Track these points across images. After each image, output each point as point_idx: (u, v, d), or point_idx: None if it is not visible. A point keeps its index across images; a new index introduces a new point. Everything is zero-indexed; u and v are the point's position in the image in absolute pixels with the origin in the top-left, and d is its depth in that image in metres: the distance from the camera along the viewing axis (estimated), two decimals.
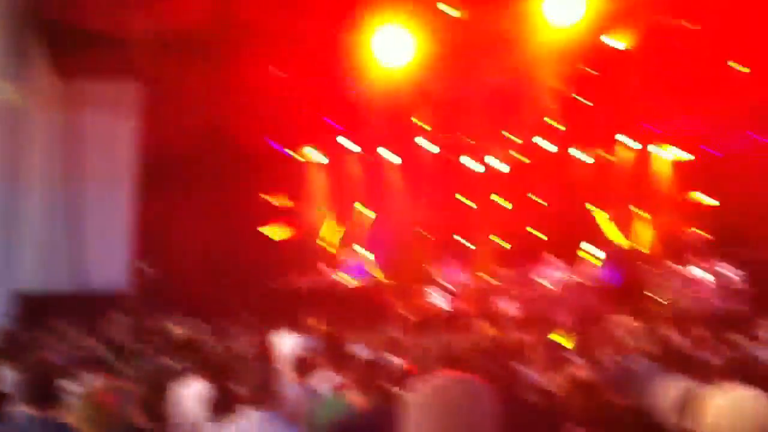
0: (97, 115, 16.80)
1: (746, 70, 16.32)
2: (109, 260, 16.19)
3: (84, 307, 13.41)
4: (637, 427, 4.49)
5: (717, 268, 15.88)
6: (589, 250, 19.19)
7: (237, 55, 16.43)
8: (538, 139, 19.68)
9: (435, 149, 20.17)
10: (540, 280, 17.03)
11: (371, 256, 20.32)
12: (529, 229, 20.16)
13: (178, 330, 10.52)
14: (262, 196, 19.91)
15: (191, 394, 6.05)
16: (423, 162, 20.41)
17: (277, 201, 20.20)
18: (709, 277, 15.92)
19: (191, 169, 17.12)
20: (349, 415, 5.00)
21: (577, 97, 18.25)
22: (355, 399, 5.09)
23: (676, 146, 19.27)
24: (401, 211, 20.53)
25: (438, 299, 17.49)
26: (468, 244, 20.59)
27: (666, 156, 19.50)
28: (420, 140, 20.15)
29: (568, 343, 9.91)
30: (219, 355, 6.59)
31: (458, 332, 12.03)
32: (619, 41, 16.89)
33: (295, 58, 17.35)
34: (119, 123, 16.67)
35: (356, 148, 20.48)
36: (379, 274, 20.07)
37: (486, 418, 1.58)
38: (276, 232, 20.10)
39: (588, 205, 19.93)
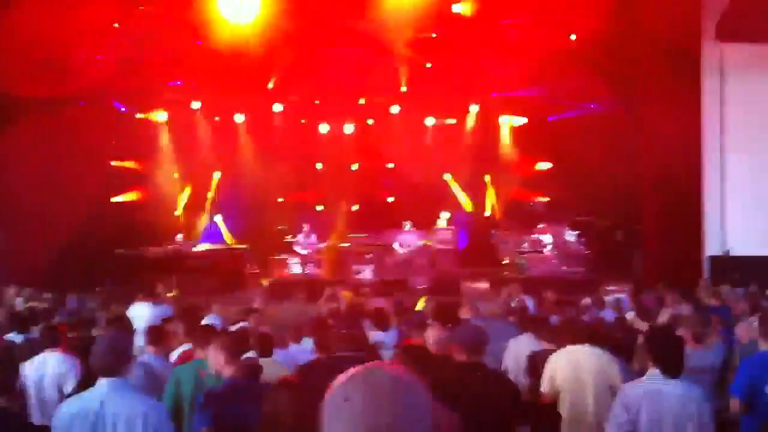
0: None
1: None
2: None
3: None
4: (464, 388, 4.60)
5: (562, 234, 16.64)
6: (441, 216, 19.69)
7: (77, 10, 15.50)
8: (390, 107, 19.86)
9: (281, 109, 19.91)
10: (395, 246, 17.27)
11: (223, 222, 19.98)
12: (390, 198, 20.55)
13: (26, 302, 9.92)
14: (113, 162, 19.05)
15: (43, 368, 5.75)
16: (273, 124, 20.14)
17: (127, 165, 19.38)
18: (551, 241, 16.69)
19: (35, 131, 16.07)
20: (208, 385, 4.92)
21: (428, 65, 18.50)
22: (213, 367, 5.00)
23: (521, 114, 19.94)
24: (252, 174, 20.21)
25: (294, 264, 17.40)
26: (322, 209, 20.63)
27: (511, 123, 20.14)
28: (275, 104, 19.84)
29: (422, 306, 10.15)
30: (72, 327, 6.24)
31: (314, 298, 12.00)
32: (466, 11, 17.17)
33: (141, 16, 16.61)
34: None
35: (201, 108, 19.86)
36: (231, 240, 19.79)
37: (417, 411, 1.52)
38: (127, 198, 19.31)
39: (442, 173, 20.42)
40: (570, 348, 5.83)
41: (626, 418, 4.40)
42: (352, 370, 1.53)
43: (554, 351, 6.42)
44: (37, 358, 5.84)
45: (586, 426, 5.62)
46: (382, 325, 7.93)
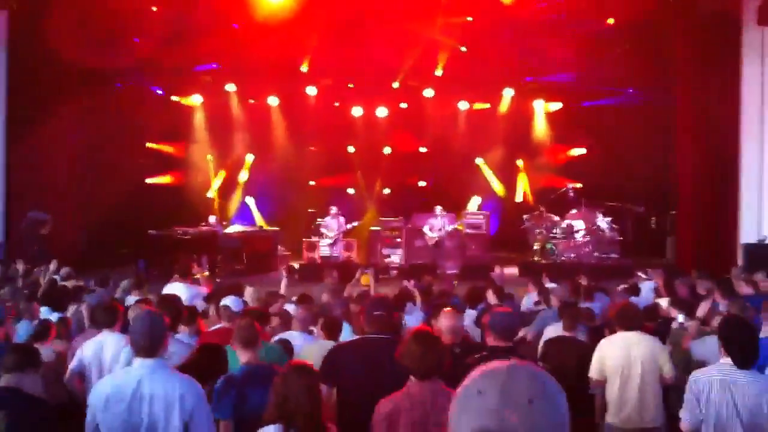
0: None
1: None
2: None
3: None
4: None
5: (595, 220, 16.50)
6: (473, 201, 19.65)
7: None
8: (424, 90, 19.79)
9: (314, 92, 19.90)
10: (425, 229, 17.25)
11: (255, 204, 20.11)
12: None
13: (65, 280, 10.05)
14: (148, 144, 19.27)
15: (102, 348, 5.78)
16: (306, 107, 20.18)
17: (163, 148, 19.59)
18: (584, 227, 16.56)
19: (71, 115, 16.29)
20: (241, 368, 4.88)
21: (462, 49, 18.40)
22: (243, 352, 4.92)
23: (556, 99, 19.77)
24: (285, 156, 20.34)
25: (323, 247, 17.46)
26: (353, 192, 20.67)
27: (546, 108, 19.97)
28: (308, 87, 19.87)
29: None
30: (110, 307, 6.29)
31: (344, 280, 12.01)
32: None
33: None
34: None
35: (236, 92, 19.96)
36: (262, 222, 19.92)
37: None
38: (162, 180, 19.53)
39: (474, 158, 20.33)
40: (621, 334, 5.79)
41: (698, 407, 4.40)
42: (492, 364, 1.49)
43: (569, 338, 6.43)
44: (96, 338, 5.84)
45: (633, 413, 5.64)
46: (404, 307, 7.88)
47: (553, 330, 6.88)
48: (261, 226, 19.51)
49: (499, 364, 1.50)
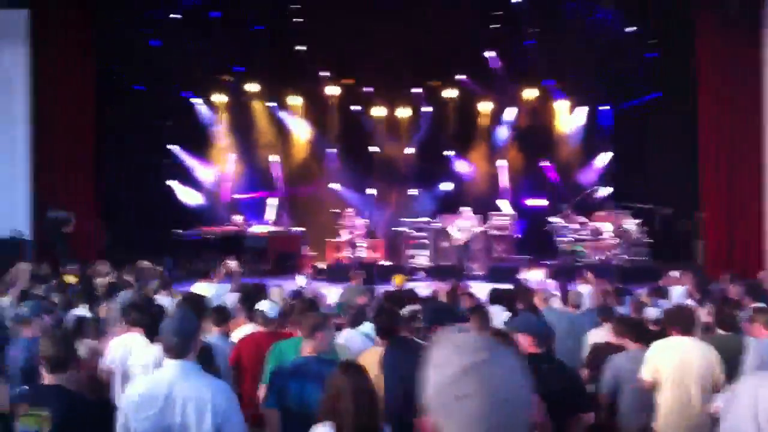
0: None
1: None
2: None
3: None
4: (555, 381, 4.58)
5: (623, 222, 16.35)
6: (499, 203, 19.51)
7: None
8: (447, 91, 19.77)
9: (337, 92, 20.02)
10: (451, 230, 17.18)
11: (277, 204, 20.12)
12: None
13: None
14: (170, 146, 19.41)
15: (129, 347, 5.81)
16: (328, 107, 20.24)
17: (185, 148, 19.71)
18: (611, 230, 16.42)
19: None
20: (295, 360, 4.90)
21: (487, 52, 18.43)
22: (307, 341, 4.97)
23: (582, 101, 19.64)
24: (307, 157, 20.39)
25: (347, 247, 17.48)
26: (374, 193, 20.62)
27: (571, 110, 19.84)
28: (330, 87, 19.94)
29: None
30: (141, 305, 6.29)
31: (370, 281, 12.01)
32: None
33: None
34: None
35: (258, 92, 20.07)
36: (288, 222, 19.93)
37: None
38: (185, 180, 19.65)
39: (500, 159, 20.22)
40: (677, 339, 5.67)
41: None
42: (462, 360, 1.45)
43: (618, 345, 6.32)
44: (123, 337, 5.86)
45: (690, 419, 5.51)
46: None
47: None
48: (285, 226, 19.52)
49: (470, 356, 1.45)
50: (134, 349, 5.66)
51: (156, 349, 4.88)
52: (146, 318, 5.80)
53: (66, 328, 6.49)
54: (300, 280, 11.25)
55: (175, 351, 3.92)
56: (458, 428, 1.39)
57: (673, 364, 5.51)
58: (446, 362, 1.43)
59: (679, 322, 5.73)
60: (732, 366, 5.63)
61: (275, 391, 4.64)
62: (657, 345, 5.71)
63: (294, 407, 4.54)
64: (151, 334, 5.47)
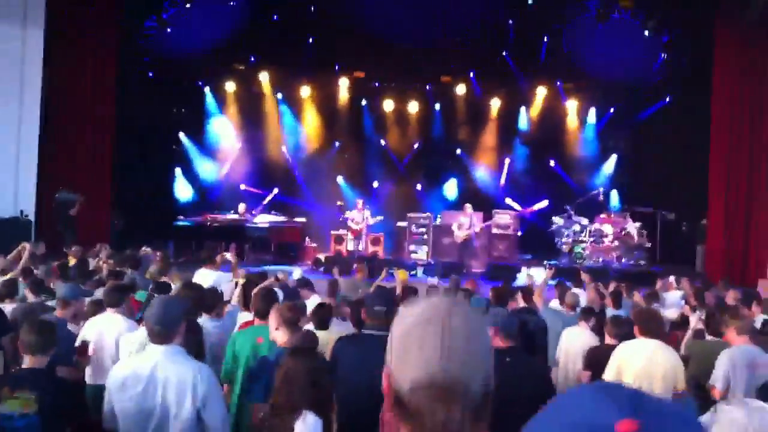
0: None
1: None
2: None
3: None
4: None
5: (624, 224, 16.34)
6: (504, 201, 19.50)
7: None
8: (457, 87, 19.78)
9: (347, 84, 20.07)
10: (453, 227, 17.19)
11: (280, 195, 20.14)
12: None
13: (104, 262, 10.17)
14: (180, 133, 19.51)
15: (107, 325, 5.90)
16: (338, 99, 20.30)
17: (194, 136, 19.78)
18: (612, 232, 16.41)
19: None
20: (270, 354, 4.96)
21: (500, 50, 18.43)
22: (274, 336, 5.04)
23: (590, 102, 19.63)
24: (315, 148, 20.46)
25: (350, 240, 17.51)
26: (378, 186, 20.64)
27: (578, 110, 19.83)
28: (341, 79, 19.97)
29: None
30: (115, 288, 6.36)
31: (370, 274, 12.03)
32: None
33: None
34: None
35: (268, 82, 20.12)
36: (289, 214, 19.97)
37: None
38: (192, 169, 19.75)
39: (505, 157, 20.21)
40: (643, 341, 5.65)
41: None
42: (426, 313, 1.46)
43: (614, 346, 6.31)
44: (96, 318, 5.97)
45: None
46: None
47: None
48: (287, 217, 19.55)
49: (432, 310, 1.46)
50: (111, 329, 5.79)
51: (142, 332, 4.96)
52: (118, 300, 5.95)
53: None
54: (296, 273, 11.23)
55: (159, 337, 3.97)
56: (415, 373, 1.42)
57: (638, 365, 5.52)
58: (409, 314, 1.48)
59: (645, 324, 5.72)
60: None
61: (264, 384, 4.61)
62: (622, 347, 5.72)
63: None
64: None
